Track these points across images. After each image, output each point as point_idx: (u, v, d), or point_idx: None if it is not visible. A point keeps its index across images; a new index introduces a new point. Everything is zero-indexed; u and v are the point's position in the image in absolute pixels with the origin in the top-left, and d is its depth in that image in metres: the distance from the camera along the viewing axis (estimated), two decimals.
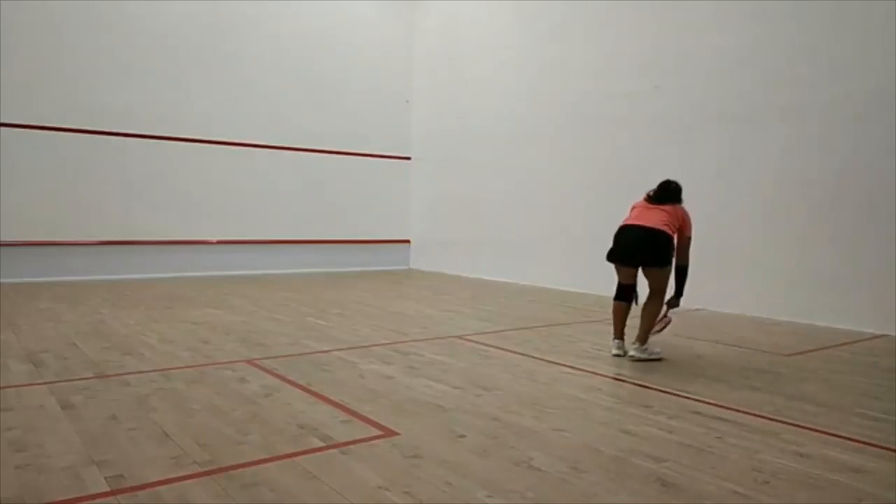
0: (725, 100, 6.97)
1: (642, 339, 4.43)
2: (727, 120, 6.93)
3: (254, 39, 9.99)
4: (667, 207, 4.47)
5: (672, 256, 4.41)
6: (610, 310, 4.72)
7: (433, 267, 11.15)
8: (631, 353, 4.44)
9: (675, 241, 4.45)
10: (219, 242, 9.75)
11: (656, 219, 4.41)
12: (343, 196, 10.93)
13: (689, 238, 4.53)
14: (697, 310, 6.94)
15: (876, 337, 5.56)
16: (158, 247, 9.26)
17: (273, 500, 2.20)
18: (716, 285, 6.90)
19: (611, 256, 4.54)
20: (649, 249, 4.36)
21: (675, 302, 4.61)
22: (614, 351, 4.59)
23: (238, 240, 9.90)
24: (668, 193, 4.54)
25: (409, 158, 11.65)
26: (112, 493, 2.23)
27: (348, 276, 10.16)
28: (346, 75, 10.87)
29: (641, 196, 4.66)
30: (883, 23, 5.74)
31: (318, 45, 10.58)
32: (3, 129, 8.18)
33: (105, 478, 2.34)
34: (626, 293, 4.60)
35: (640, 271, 4.52)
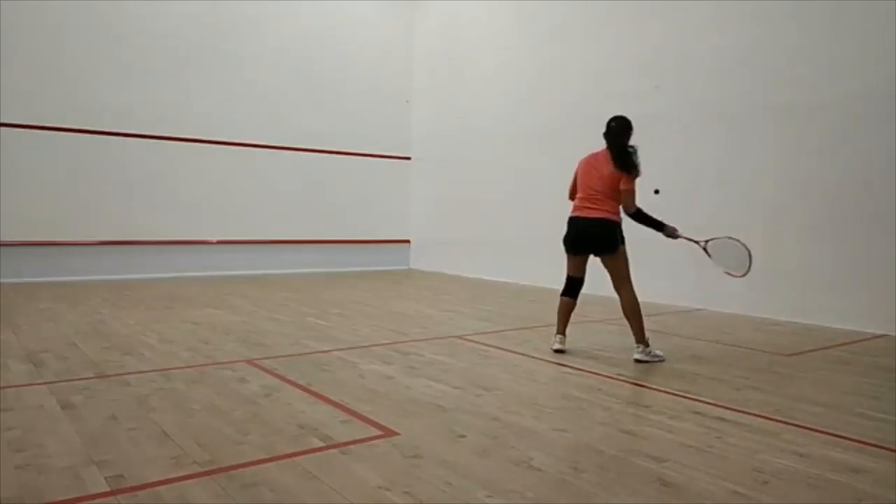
0: (725, 100, 6.96)
1: (642, 340, 4.43)
2: (727, 120, 6.93)
3: (254, 39, 9.99)
4: (614, 173, 4.54)
5: (621, 238, 4.51)
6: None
7: (433, 267, 11.15)
8: (635, 356, 4.43)
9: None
10: (219, 242, 9.76)
11: (600, 200, 4.53)
12: (343, 196, 10.94)
13: (629, 191, 4.51)
14: (698, 310, 6.94)
15: (876, 337, 5.56)
16: (158, 247, 9.26)
17: (273, 500, 2.20)
18: (716, 285, 6.89)
19: (564, 243, 4.80)
20: (598, 239, 4.53)
21: (669, 231, 4.54)
22: (556, 346, 4.66)
23: (238, 240, 9.90)
24: (615, 150, 4.69)
25: (409, 158, 11.65)
26: (112, 493, 2.23)
27: (348, 276, 10.16)
28: (346, 75, 10.87)
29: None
30: (883, 23, 5.73)
31: (318, 45, 10.58)
32: (3, 129, 8.18)
33: (105, 478, 2.34)
34: (572, 288, 4.72)
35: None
